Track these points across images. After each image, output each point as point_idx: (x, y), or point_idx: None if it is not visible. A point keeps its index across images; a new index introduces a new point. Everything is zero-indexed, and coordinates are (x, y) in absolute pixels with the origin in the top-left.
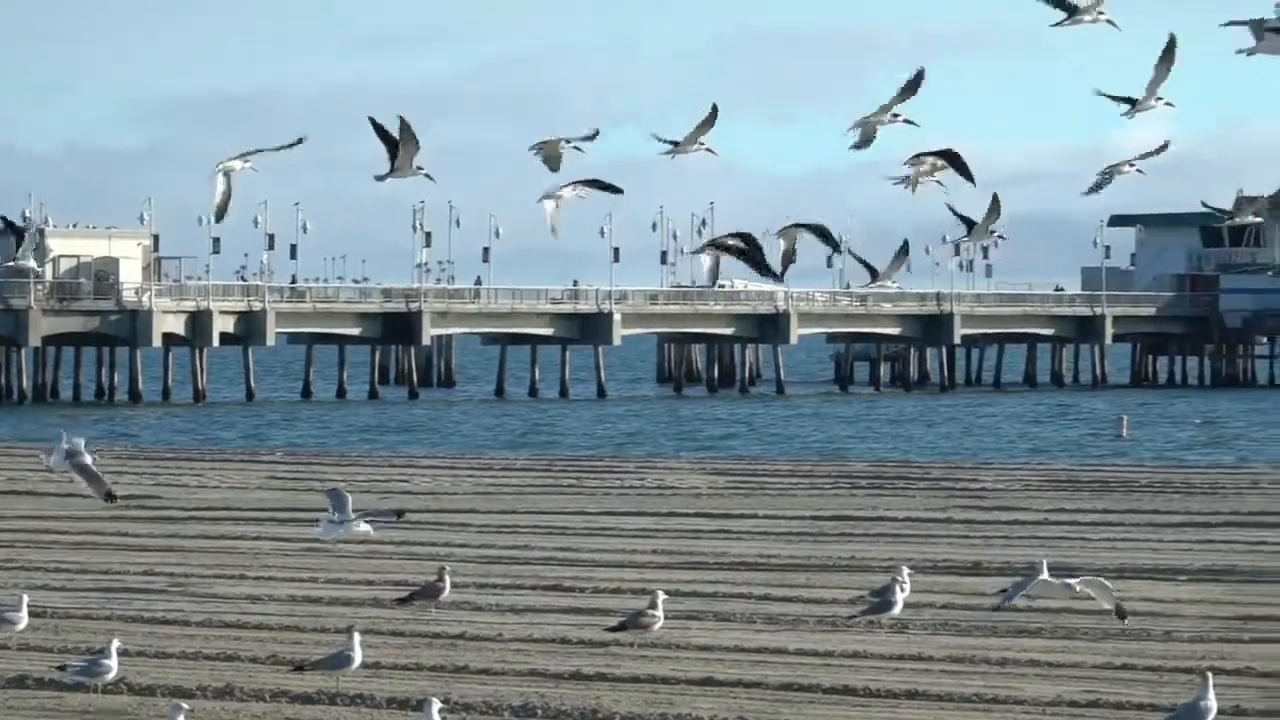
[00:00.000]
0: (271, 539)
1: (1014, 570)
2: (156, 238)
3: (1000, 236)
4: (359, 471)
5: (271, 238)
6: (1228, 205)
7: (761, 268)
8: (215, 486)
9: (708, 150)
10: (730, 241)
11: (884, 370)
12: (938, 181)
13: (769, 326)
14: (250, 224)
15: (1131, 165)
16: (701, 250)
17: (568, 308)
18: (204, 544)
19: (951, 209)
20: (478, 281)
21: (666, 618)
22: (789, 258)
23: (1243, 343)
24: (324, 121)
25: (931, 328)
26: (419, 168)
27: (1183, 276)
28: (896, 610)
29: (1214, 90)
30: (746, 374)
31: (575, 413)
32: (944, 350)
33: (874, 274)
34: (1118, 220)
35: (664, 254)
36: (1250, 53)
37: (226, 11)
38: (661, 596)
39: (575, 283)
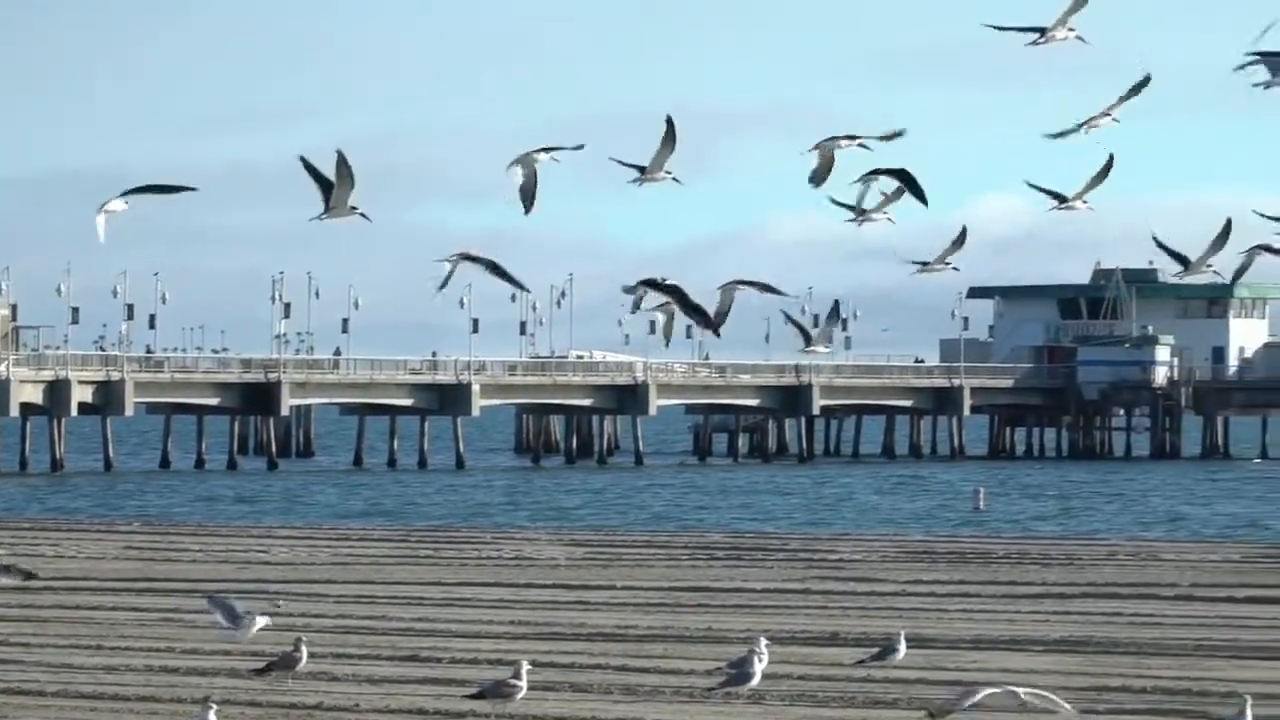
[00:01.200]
0: (128, 609)
1: (871, 641)
2: (14, 307)
3: (954, 268)
4: (216, 542)
5: (130, 308)
6: (1084, 280)
7: (692, 309)
8: (72, 556)
9: (673, 180)
10: (666, 282)
11: (742, 441)
12: (889, 219)
13: (627, 397)
14: (109, 294)
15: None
16: (635, 289)
17: (426, 378)
18: (60, 614)
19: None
20: (337, 352)
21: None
22: (724, 315)
23: (1100, 414)
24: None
25: (790, 399)
26: (354, 207)
27: (1040, 348)
28: (754, 681)
29: (1071, 165)
30: (605, 445)
31: (432, 483)
32: (802, 421)
33: (806, 338)
34: (976, 292)
35: (523, 325)
36: (1267, 86)
37: (81, 88)
38: (526, 666)
39: (434, 353)
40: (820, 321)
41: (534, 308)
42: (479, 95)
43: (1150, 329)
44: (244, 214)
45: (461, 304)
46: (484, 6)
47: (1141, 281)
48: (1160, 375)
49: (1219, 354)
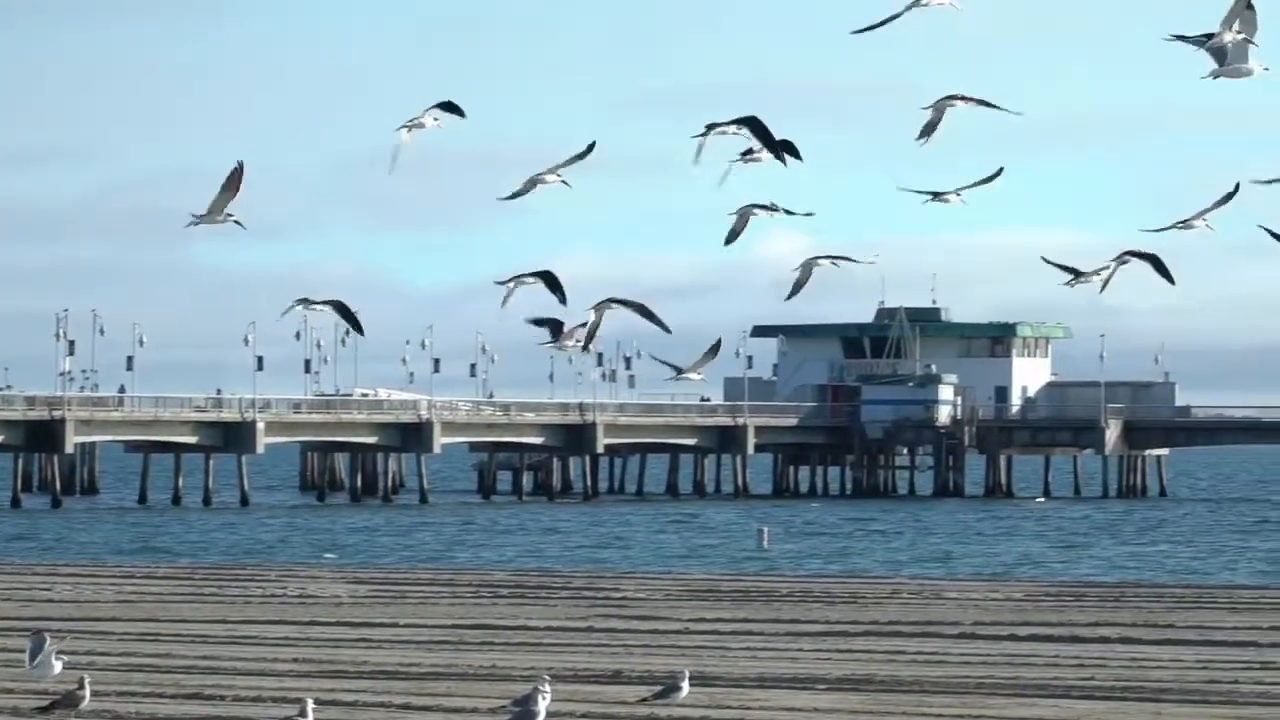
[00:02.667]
0: None
1: (655, 679)
2: None
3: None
4: None
5: None
6: (868, 319)
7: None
8: None
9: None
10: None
11: (527, 479)
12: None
13: (412, 435)
14: None
15: (958, 195)
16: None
17: (211, 416)
18: None
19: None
20: (121, 389)
21: None
22: (593, 333)
23: (883, 453)
24: None
25: (574, 437)
26: (229, 214)
27: (824, 387)
28: None
29: (853, 206)
30: (390, 482)
31: (217, 520)
32: (587, 459)
33: (678, 370)
34: (760, 331)
35: (308, 363)
36: (1215, 75)
37: None
38: (311, 704)
39: (219, 391)
40: (604, 360)
41: (318, 345)
42: (265, 134)
43: (934, 368)
44: (27, 251)
45: (246, 341)
46: (269, 45)
47: (925, 320)
48: (944, 414)
49: (1002, 393)
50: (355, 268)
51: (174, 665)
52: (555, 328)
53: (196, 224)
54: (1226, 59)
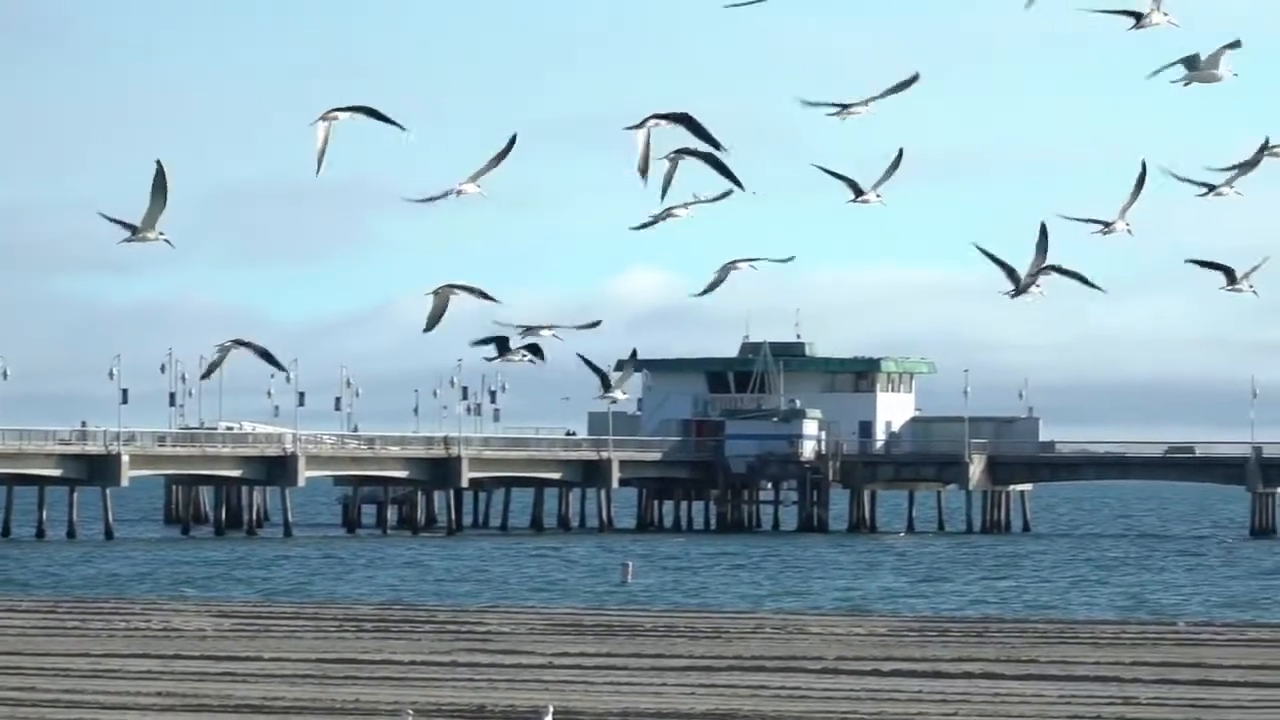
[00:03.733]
0: None
1: (519, 714)
2: None
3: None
4: None
5: None
6: (732, 353)
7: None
8: None
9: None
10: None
11: (391, 513)
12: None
13: (277, 469)
14: None
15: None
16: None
17: (75, 449)
18: None
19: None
20: None
21: None
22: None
23: (747, 488)
24: None
25: (439, 471)
26: (161, 233)
27: (689, 422)
28: None
29: (717, 241)
30: (254, 516)
31: (80, 553)
32: (451, 493)
33: (605, 383)
34: (624, 365)
35: (172, 396)
36: (1187, 81)
37: None
38: None
39: (83, 424)
40: (469, 394)
41: (183, 379)
42: (124, 169)
43: (798, 402)
44: None
45: (111, 375)
46: (127, 78)
47: (789, 355)
48: (808, 449)
49: (866, 428)
50: (218, 301)
51: (37, 699)
52: (501, 344)
53: (130, 241)
54: (1200, 66)
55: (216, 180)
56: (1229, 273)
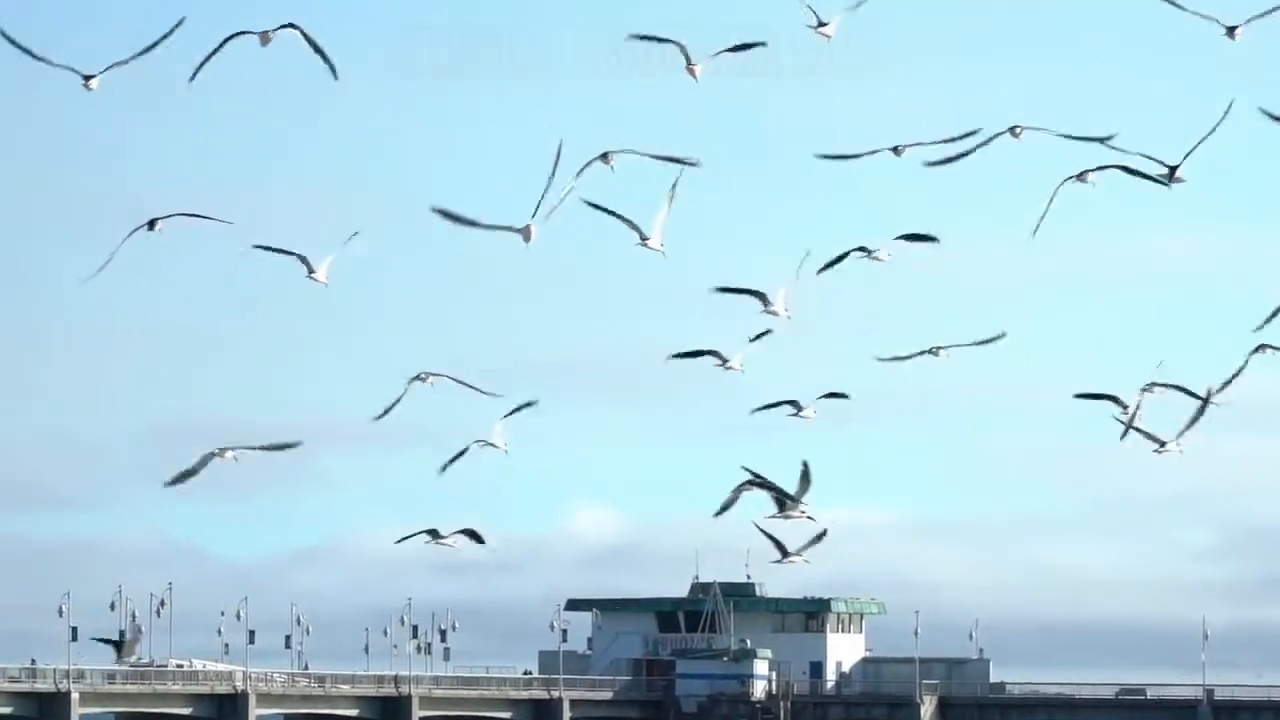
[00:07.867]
0: None
1: None
2: None
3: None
4: None
5: None
6: (682, 593)
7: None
8: None
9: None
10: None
11: None
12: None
13: (228, 706)
14: None
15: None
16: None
17: (25, 686)
18: None
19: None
20: None
21: None
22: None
23: None
24: None
25: (390, 709)
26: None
27: (639, 661)
28: None
29: (665, 478)
30: None
31: None
32: None
33: (783, 551)
34: (574, 605)
35: (121, 633)
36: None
37: None
38: None
39: (33, 661)
40: (419, 633)
41: (133, 616)
42: (70, 404)
43: (748, 643)
44: None
45: (60, 612)
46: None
47: (739, 595)
48: (759, 688)
49: (817, 668)
50: (164, 539)
51: None
52: (433, 533)
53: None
54: None
55: (158, 416)
56: (1118, 401)
